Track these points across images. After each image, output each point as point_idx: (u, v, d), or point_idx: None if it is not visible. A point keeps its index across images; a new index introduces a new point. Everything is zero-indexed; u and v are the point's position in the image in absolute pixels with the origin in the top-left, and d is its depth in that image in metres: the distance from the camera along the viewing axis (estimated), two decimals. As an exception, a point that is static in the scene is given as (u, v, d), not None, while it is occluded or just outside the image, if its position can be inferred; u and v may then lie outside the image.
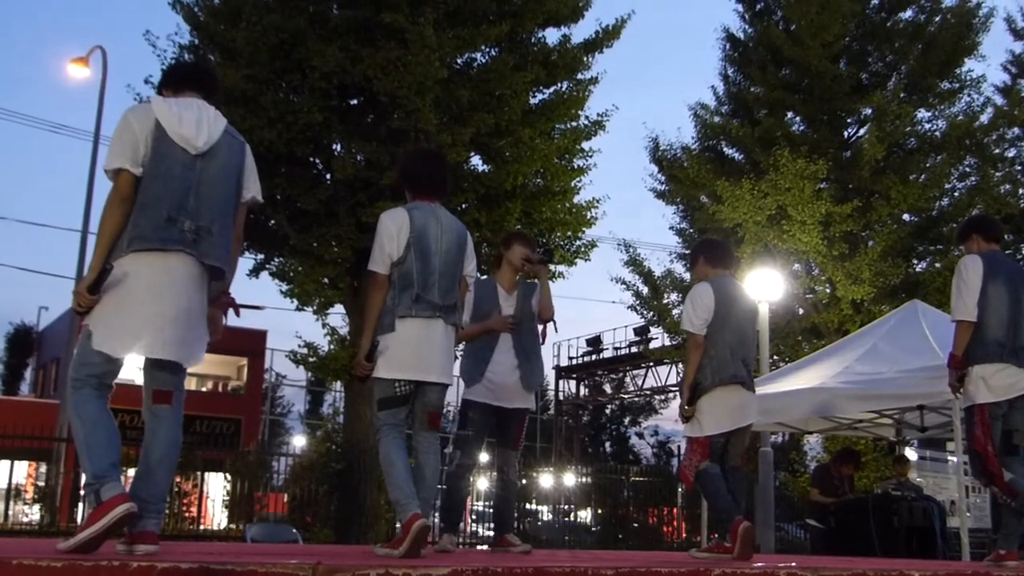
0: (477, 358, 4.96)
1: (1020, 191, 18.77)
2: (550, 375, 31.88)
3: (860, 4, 18.03)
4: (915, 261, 18.24)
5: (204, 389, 30.06)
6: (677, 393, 29.78)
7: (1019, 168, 19.23)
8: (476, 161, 13.54)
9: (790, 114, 18.82)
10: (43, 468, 15.91)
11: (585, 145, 13.94)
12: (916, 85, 18.01)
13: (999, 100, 19.69)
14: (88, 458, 3.01)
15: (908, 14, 18.83)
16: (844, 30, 17.62)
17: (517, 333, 5.03)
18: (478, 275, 4.76)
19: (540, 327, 5.16)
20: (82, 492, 13.52)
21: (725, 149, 19.63)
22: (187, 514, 13.76)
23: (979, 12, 18.33)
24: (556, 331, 5.23)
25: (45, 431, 14.47)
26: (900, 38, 18.43)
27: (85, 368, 3.11)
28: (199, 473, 14.03)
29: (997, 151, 18.67)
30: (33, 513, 14.50)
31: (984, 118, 18.24)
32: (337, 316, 14.08)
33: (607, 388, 36.66)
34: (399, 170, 4.35)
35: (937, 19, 18.50)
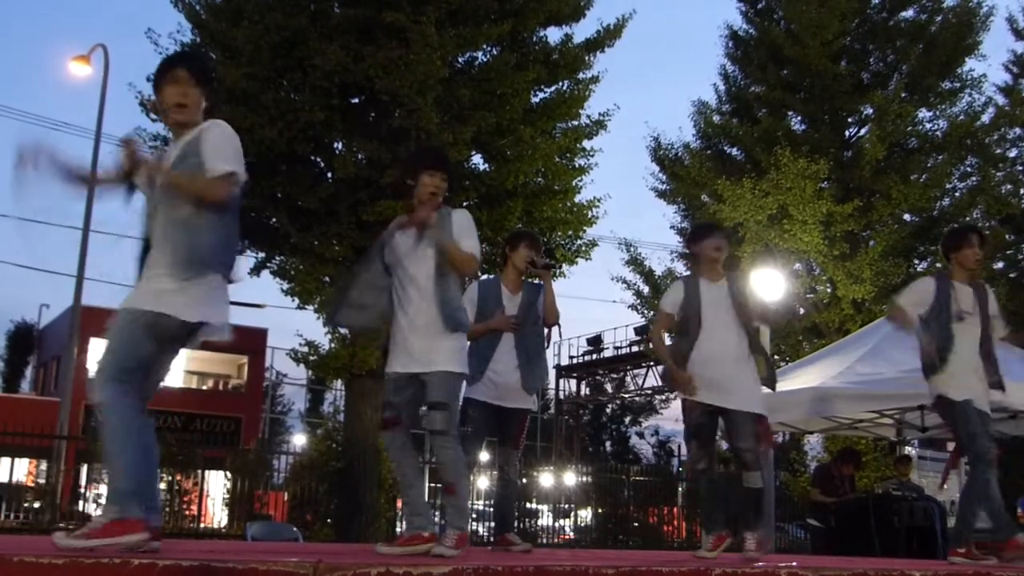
0: (479, 357, 4.96)
1: (1021, 191, 18.77)
2: (551, 374, 31.86)
3: (860, 2, 18.03)
4: (916, 261, 18.24)
5: (205, 387, 30.08)
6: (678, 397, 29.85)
7: (1020, 168, 19.24)
8: (477, 160, 13.55)
9: (791, 114, 18.83)
10: (43, 466, 15.93)
11: (586, 144, 13.94)
12: (917, 85, 18.00)
13: (1000, 100, 19.70)
14: (124, 465, 2.99)
15: (909, 13, 18.83)
16: (843, 28, 17.62)
17: (520, 334, 5.04)
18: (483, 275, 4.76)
19: (545, 330, 5.17)
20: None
21: (726, 148, 19.63)
22: (187, 512, 13.77)
23: (980, 12, 18.33)
24: (560, 336, 5.25)
25: (46, 429, 14.48)
26: (901, 37, 18.42)
27: (135, 359, 3.07)
28: (199, 471, 14.03)
29: (998, 151, 18.67)
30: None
31: (985, 118, 18.26)
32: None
33: (608, 387, 36.66)
34: (404, 167, 4.35)
35: (938, 18, 18.49)
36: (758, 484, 4.84)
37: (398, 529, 14.08)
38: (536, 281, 5.26)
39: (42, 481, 15.11)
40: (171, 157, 3.28)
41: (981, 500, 4.96)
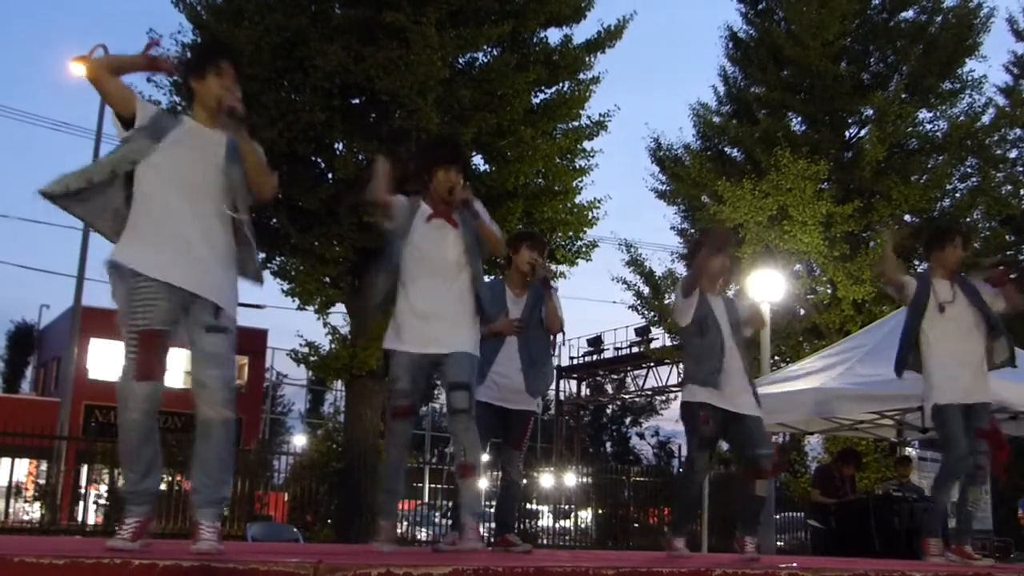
0: (483, 358, 4.93)
1: (1022, 192, 18.77)
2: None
3: (860, 3, 18.04)
4: (916, 262, 18.24)
5: (205, 388, 30.03)
6: (678, 393, 29.73)
7: (1020, 169, 19.23)
8: (478, 161, 13.56)
9: (791, 114, 18.83)
10: (43, 466, 15.93)
11: (587, 145, 13.96)
12: (917, 85, 18.01)
13: (1001, 101, 19.69)
14: (231, 476, 3.27)
15: (909, 14, 18.83)
16: (844, 29, 17.63)
17: (524, 336, 5.02)
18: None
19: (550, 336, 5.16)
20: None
21: (726, 149, 19.64)
22: (187, 512, 13.76)
23: (980, 12, 18.34)
24: (564, 339, 5.24)
25: (46, 429, 14.47)
26: (901, 38, 18.42)
27: None
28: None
29: (998, 152, 18.67)
30: (33, 511, 14.52)
31: (985, 119, 18.26)
32: (338, 315, 14.13)
33: (608, 388, 36.67)
34: (416, 161, 4.33)
35: (938, 19, 18.49)
36: (766, 493, 4.81)
37: (398, 530, 14.10)
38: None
39: (42, 482, 15.11)
40: (213, 146, 3.24)
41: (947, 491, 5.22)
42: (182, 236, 3.11)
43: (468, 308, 3.93)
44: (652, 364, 27.09)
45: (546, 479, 20.17)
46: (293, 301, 13.68)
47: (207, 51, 3.39)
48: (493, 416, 4.97)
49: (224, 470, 3.15)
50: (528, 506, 17.41)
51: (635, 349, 27.59)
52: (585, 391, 33.30)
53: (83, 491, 14.82)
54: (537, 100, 13.70)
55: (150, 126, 3.17)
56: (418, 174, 4.11)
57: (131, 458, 3.09)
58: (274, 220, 13.32)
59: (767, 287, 13.00)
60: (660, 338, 23.51)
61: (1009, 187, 18.52)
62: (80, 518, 14.33)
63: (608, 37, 13.99)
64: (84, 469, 16.57)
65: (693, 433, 4.78)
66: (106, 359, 23.39)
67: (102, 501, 14.11)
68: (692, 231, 19.34)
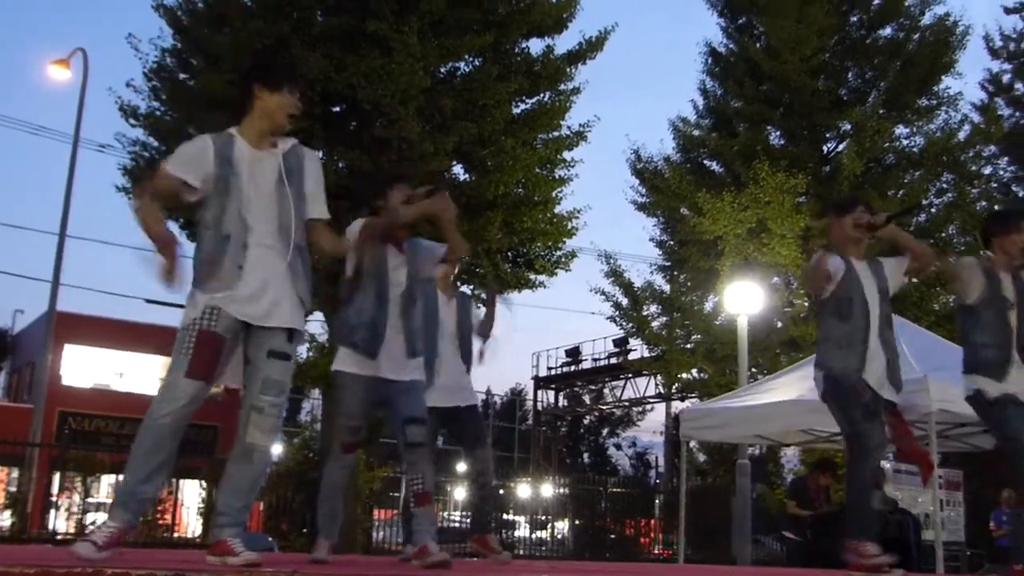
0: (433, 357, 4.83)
1: (996, 208, 19.01)
2: (528, 385, 31.91)
3: (838, 19, 18.24)
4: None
5: (180, 395, 29.75)
6: (656, 400, 29.57)
7: (995, 185, 19.49)
8: (458, 170, 13.57)
9: (770, 128, 18.99)
10: (15, 474, 15.71)
11: (567, 155, 14.01)
12: (894, 101, 18.22)
13: (976, 118, 19.96)
14: None
15: (887, 31, 19.07)
16: (822, 45, 17.82)
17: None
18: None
19: None
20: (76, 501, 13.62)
21: (706, 162, 19.76)
22: (160, 521, 13.63)
23: (957, 30, 18.59)
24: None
25: (18, 436, 14.29)
26: (879, 54, 18.65)
27: None
28: (174, 480, 13.90)
29: (974, 168, 18.91)
30: (3, 519, 14.31)
31: (961, 135, 18.49)
32: (316, 324, 14.06)
33: (586, 399, 36.71)
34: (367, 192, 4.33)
35: (916, 36, 18.73)
36: (881, 505, 4.51)
37: (373, 539, 14.03)
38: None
39: (13, 489, 14.90)
40: (269, 165, 3.16)
41: None
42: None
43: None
44: (630, 375, 27.14)
45: (523, 489, 20.15)
46: (271, 309, 13.61)
47: (286, 68, 3.43)
48: (437, 421, 4.69)
49: (253, 495, 3.18)
50: (505, 516, 17.39)
51: (613, 360, 27.63)
52: (563, 402, 33.31)
53: (55, 499, 14.61)
54: (518, 110, 13.74)
55: (218, 178, 3.10)
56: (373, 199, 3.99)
57: (136, 460, 2.98)
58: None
59: (745, 299, 13.09)
60: (638, 349, 23.55)
61: (984, 203, 18.75)
62: (51, 526, 14.14)
63: (589, 48, 14.06)
64: (56, 477, 16.35)
65: (852, 407, 4.42)
66: (81, 365, 23.16)
67: (74, 510, 13.94)
68: (671, 243, 19.41)
